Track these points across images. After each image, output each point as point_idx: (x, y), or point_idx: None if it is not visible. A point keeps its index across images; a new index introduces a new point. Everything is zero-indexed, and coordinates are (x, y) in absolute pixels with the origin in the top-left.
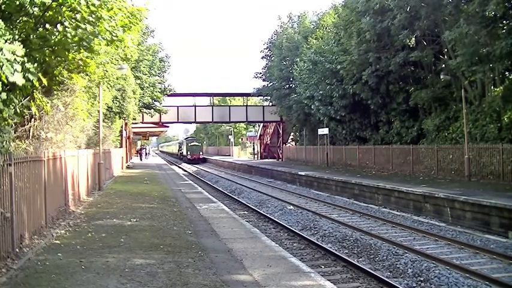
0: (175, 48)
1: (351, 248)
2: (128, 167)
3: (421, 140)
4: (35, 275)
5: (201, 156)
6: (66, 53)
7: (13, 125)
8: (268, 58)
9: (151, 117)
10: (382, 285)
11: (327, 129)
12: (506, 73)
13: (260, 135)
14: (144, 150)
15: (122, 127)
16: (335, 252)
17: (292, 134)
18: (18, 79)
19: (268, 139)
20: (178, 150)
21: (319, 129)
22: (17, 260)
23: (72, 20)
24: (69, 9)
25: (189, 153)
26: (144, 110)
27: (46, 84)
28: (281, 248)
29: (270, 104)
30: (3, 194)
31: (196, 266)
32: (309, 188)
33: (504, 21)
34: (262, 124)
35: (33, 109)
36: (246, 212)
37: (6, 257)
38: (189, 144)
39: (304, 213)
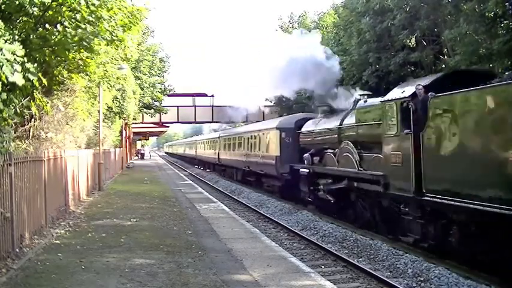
0: (175, 48)
1: (351, 248)
2: (128, 167)
3: None
4: (35, 275)
5: None
6: (66, 53)
7: (13, 125)
8: None
9: (152, 117)
10: (382, 285)
11: None
12: (506, 73)
13: None
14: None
15: (121, 127)
16: (335, 252)
17: None
18: (18, 79)
19: None
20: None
21: None
22: (17, 260)
23: (72, 20)
24: (69, 9)
25: None
26: (144, 110)
27: (46, 84)
28: (281, 248)
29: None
30: (3, 194)
31: (196, 266)
32: None
33: (504, 21)
34: None
35: (33, 109)
36: (246, 212)
37: (6, 256)
38: None
39: (304, 213)
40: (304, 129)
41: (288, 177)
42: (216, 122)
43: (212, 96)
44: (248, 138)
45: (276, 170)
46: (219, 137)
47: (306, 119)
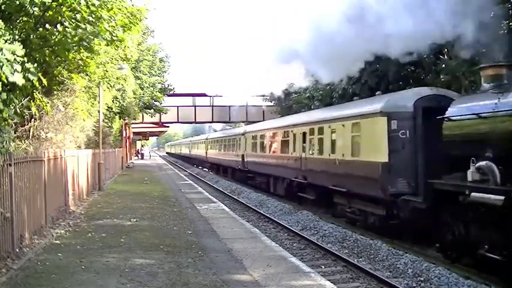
0: (175, 48)
1: (351, 248)
2: (128, 167)
3: None
4: (35, 275)
5: None
6: (66, 53)
7: (13, 125)
8: None
9: (152, 117)
10: (382, 285)
11: None
12: None
13: None
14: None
15: (121, 127)
16: (335, 252)
17: None
18: (18, 79)
19: None
20: None
21: None
22: (17, 260)
23: (72, 20)
24: (69, 9)
25: None
26: (144, 110)
27: (46, 84)
28: (281, 248)
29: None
30: (3, 194)
31: (196, 266)
32: None
33: (504, 21)
34: None
35: (33, 109)
36: (246, 212)
37: (6, 257)
38: None
39: (304, 213)
40: (454, 112)
41: (419, 204)
42: (216, 122)
43: (212, 96)
44: (305, 133)
45: (381, 188)
46: (243, 134)
47: (436, 97)
